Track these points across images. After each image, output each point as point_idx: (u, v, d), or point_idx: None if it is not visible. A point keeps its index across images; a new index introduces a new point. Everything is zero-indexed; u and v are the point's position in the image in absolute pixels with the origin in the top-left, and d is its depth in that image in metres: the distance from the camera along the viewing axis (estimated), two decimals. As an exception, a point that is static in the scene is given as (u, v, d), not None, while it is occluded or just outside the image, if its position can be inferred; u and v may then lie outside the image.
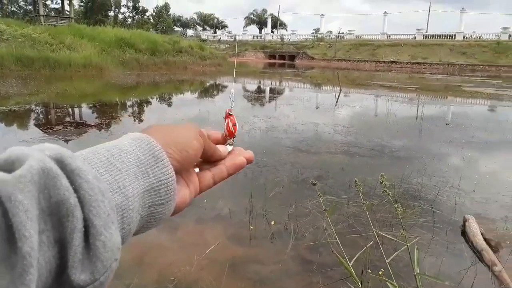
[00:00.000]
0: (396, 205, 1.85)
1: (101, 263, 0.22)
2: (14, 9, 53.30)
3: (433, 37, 44.14)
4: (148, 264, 2.52)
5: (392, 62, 39.99)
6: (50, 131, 6.17)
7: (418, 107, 11.26)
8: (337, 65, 39.56)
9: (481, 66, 35.56)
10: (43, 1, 32.96)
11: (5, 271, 0.18)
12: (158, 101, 11.50)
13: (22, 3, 52.66)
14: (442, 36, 43.52)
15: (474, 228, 2.98)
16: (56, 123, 7.02)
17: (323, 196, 3.05)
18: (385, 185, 1.84)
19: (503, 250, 2.80)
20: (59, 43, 18.66)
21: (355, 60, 42.22)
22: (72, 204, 0.22)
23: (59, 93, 11.18)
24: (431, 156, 5.39)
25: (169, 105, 10.77)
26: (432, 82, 21.89)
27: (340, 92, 13.72)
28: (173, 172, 0.32)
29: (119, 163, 0.28)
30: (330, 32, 57.30)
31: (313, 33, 57.99)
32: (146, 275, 2.39)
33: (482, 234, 2.92)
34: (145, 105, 10.37)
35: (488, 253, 2.66)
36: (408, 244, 1.86)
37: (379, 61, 41.00)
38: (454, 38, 42.40)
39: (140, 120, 7.94)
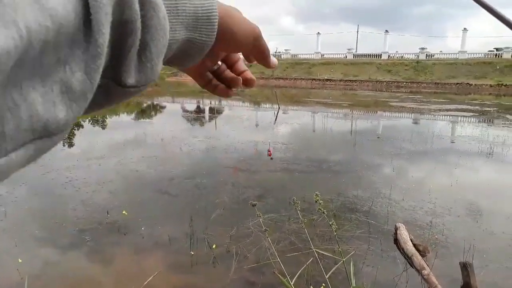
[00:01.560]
0: (330, 223, 1.91)
1: (145, 78, 0.28)
2: None
3: (362, 56, 47.64)
4: (78, 304, 2.31)
5: (327, 79, 42.28)
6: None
7: (352, 122, 11.94)
8: (275, 83, 40.80)
9: (405, 83, 38.98)
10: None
11: (79, 45, 0.22)
12: (90, 123, 10.89)
13: None
14: (370, 56, 47.13)
15: (404, 235, 3.16)
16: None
17: (264, 215, 3.05)
18: (320, 203, 1.89)
19: (430, 254, 3.00)
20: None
21: (292, 78, 43.95)
22: (137, 27, 0.25)
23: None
24: (365, 168, 5.70)
25: (103, 127, 10.25)
26: (363, 98, 23.44)
27: (278, 109, 14.10)
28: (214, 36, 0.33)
29: (182, 9, 0.30)
30: (268, 51, 59.15)
31: (251, 52, 59.47)
32: (74, 318, 2.18)
33: (411, 240, 3.11)
34: (75, 128, 9.75)
35: (417, 258, 2.84)
36: (343, 259, 1.92)
37: (314, 79, 43.12)
38: (380, 57, 46.10)
39: (70, 145, 7.43)
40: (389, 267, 2.86)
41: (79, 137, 8.60)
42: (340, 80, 41.63)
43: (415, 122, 12.57)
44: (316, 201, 1.78)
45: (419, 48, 44.58)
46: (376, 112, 15.78)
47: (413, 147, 7.35)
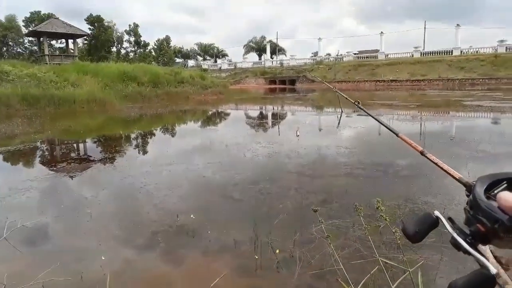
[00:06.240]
0: (394, 230, 1.85)
1: None
2: (20, 50, 54.94)
3: (430, 54, 44.72)
4: (153, 301, 2.49)
5: (392, 80, 40.36)
6: (54, 168, 6.23)
7: (420, 124, 11.27)
8: (337, 86, 39.71)
9: (481, 80, 35.75)
10: (48, 41, 34.03)
11: None
12: (161, 132, 11.62)
13: (27, 44, 54.31)
14: (440, 53, 44.06)
15: (483, 246, 2.92)
16: (61, 160, 7.10)
17: (327, 220, 3.02)
18: (381, 210, 1.84)
19: (515, 268, 2.73)
20: (63, 81, 19.12)
21: (355, 81, 42.69)
22: None
23: (63, 129, 11.35)
24: (436, 173, 5.35)
25: (172, 135, 10.88)
26: (433, 98, 21.98)
27: (341, 113, 13.79)
28: None
29: None
30: (329, 54, 58.23)
31: (312, 56, 58.96)
32: (150, 313, 2.35)
33: (491, 251, 2.86)
34: (148, 136, 10.48)
35: (500, 272, 2.60)
36: (410, 270, 1.84)
37: (378, 80, 41.42)
38: (452, 53, 42.91)
39: (144, 152, 8.01)
40: (466, 280, 2.66)
41: (152, 144, 9.23)
42: (407, 80, 39.51)
43: (495, 122, 11.49)
44: (377, 208, 1.73)
45: (498, 41, 40.63)
46: (448, 112, 14.70)
47: (493, 149, 6.73)
